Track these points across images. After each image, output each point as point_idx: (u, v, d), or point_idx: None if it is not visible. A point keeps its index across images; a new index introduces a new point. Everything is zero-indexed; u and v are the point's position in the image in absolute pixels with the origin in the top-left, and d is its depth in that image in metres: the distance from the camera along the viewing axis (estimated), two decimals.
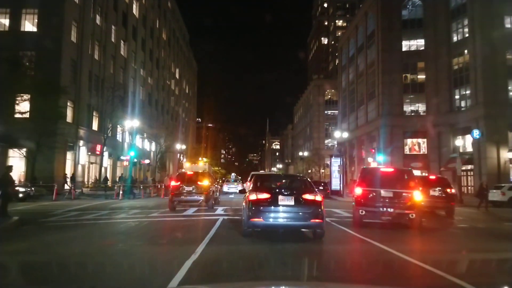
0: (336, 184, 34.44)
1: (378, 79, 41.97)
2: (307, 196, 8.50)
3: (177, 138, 58.67)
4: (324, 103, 78.46)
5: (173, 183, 17.34)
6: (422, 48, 40.86)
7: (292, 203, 8.30)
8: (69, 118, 32.23)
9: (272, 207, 8.30)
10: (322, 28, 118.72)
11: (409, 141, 41.06)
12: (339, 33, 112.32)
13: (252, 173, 25.80)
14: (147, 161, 50.81)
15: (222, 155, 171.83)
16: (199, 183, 16.50)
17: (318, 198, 8.52)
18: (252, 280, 5.21)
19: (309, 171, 72.58)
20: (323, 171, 76.28)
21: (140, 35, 50.80)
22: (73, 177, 29.46)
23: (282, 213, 8.28)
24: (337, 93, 79.29)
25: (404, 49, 41.35)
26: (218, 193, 21.19)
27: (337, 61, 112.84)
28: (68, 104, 31.99)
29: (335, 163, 35.31)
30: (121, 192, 22.59)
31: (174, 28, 70.99)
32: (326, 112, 78.89)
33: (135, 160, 38.03)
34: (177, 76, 75.02)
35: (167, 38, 66.34)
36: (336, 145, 33.69)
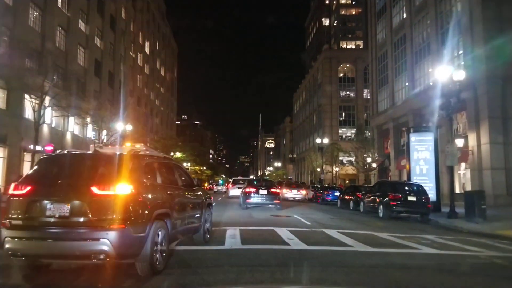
0: (428, 188, 16.82)
1: None
2: (273, 190, 17.85)
3: (141, 124, 41.37)
4: (337, 81, 61.18)
5: (13, 190, 4.45)
6: None
7: (266, 192, 17.44)
8: None
9: (257, 195, 17.41)
10: (322, 7, 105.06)
11: None
12: (343, 12, 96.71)
13: (233, 178, 34.00)
14: None
15: (211, 155, 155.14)
16: (96, 190, 4.21)
17: (278, 191, 18.49)
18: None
19: (328, 170, 53.92)
20: (337, 169, 58.81)
21: None
22: None
23: (261, 197, 17.40)
24: (354, 68, 62.36)
25: None
26: (208, 215, 7.77)
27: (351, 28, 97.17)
28: None
29: (421, 144, 17.76)
30: None
31: None
32: (340, 93, 61.59)
33: None
34: (146, 50, 58.77)
35: None
36: (439, 99, 15.41)
